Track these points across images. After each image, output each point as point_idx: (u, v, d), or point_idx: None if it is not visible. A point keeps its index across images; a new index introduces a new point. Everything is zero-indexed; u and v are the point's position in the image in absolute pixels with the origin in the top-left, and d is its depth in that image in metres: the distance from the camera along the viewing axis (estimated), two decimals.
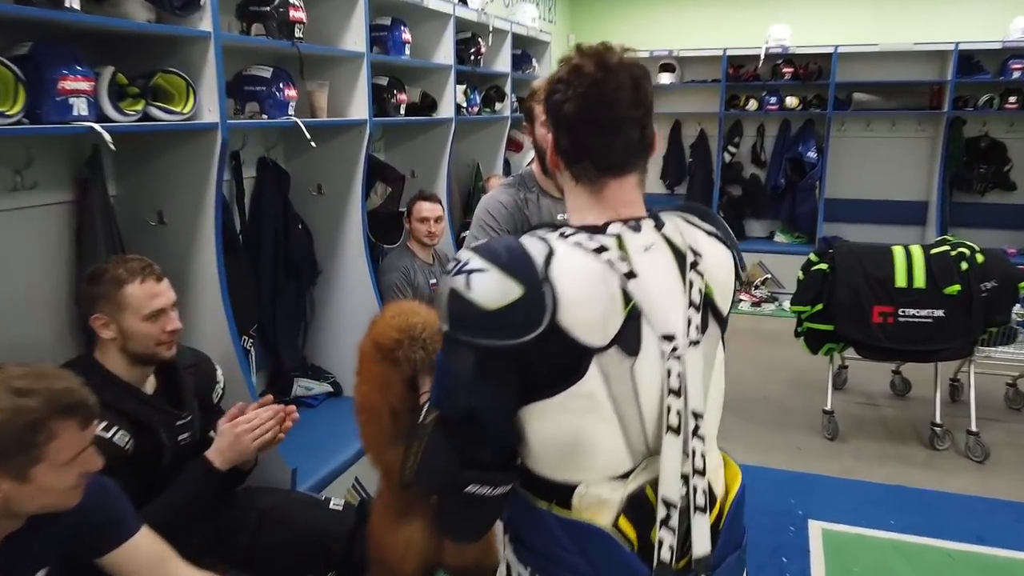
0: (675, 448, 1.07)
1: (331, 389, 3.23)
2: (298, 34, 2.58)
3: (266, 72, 2.56)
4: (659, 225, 1.14)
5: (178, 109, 2.13)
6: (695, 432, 1.09)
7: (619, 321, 1.04)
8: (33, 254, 2.09)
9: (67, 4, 1.75)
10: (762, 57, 6.51)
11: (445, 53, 3.78)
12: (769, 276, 6.62)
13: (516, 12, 5.12)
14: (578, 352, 1.03)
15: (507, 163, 5.25)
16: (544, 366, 1.04)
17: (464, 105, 4.02)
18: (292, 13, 2.54)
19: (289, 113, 2.62)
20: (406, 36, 3.35)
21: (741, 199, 7.10)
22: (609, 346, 1.03)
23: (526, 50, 5.21)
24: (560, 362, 1.04)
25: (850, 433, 3.97)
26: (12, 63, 1.69)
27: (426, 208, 3.35)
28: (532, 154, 5.24)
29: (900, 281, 3.55)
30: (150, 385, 1.87)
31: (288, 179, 3.10)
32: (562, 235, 1.08)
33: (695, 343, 1.10)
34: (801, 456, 3.74)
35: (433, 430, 1.11)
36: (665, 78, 6.93)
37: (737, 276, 1.23)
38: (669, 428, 1.07)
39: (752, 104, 6.79)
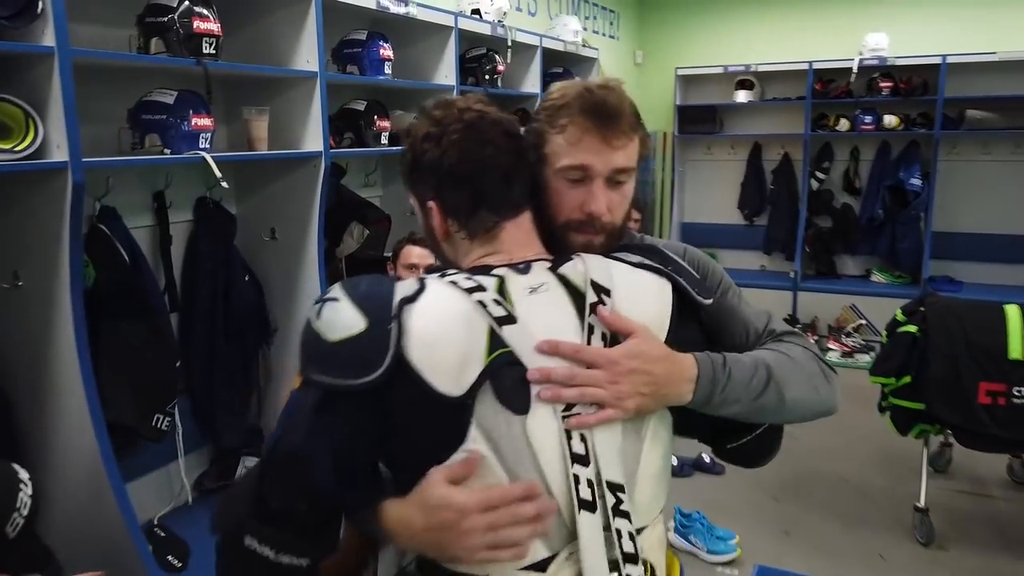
0: (593, 530, 0.93)
1: None
2: (208, 50, 2.10)
3: (168, 97, 2.09)
4: (558, 264, 1.03)
5: (7, 147, 1.67)
6: (617, 509, 0.95)
7: (477, 369, 0.91)
8: None
9: None
10: (855, 70, 5.65)
11: (447, 72, 3.25)
12: (863, 322, 5.71)
13: (557, 25, 4.54)
14: (445, 407, 0.90)
15: None
16: (416, 428, 0.92)
17: None
18: (198, 24, 2.06)
19: (202, 146, 2.14)
20: (385, 52, 2.85)
21: (831, 232, 6.21)
22: (472, 398, 0.90)
23: (569, 67, 4.63)
24: (431, 422, 0.92)
25: (951, 537, 3.11)
26: None
27: (416, 253, 2.81)
28: None
29: (1015, 352, 2.72)
30: None
31: (234, 223, 2.63)
32: (443, 275, 0.98)
33: None
34: (883, 569, 2.93)
35: (255, 466, 0.99)
36: (742, 96, 6.19)
37: (688, 307, 1.07)
38: (582, 504, 0.93)
39: (843, 124, 5.92)
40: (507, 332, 0.92)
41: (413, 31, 3.15)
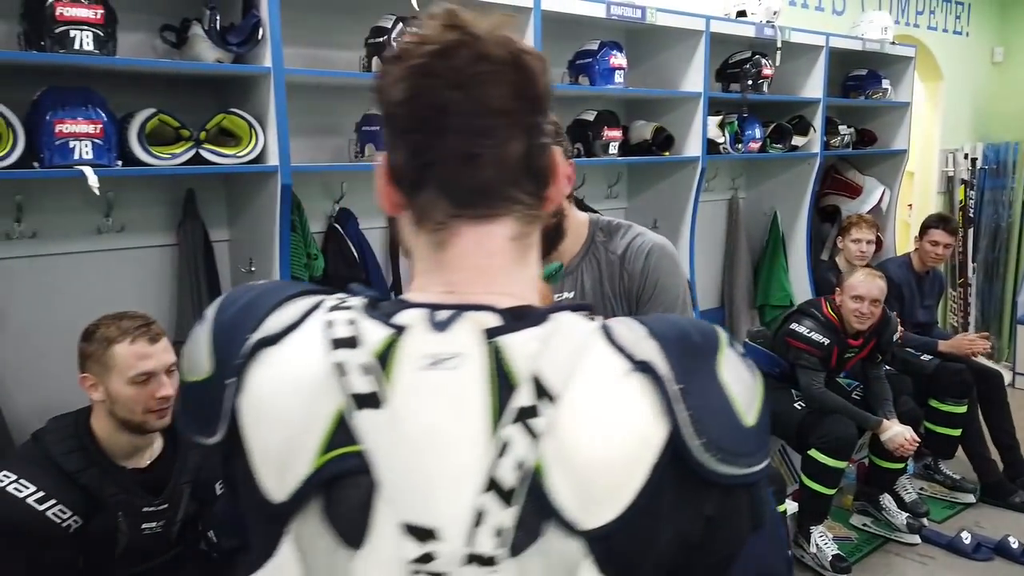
0: None
1: None
2: None
3: None
4: (507, 327, 0.62)
5: (232, 152, 2.01)
6: None
7: (306, 470, 0.60)
8: (124, 297, 2.13)
9: (76, 47, 1.75)
10: None
11: (695, 79, 3.09)
12: None
13: (862, 22, 4.03)
14: (263, 504, 0.62)
15: (833, 214, 4.18)
16: (245, 508, 0.67)
17: (721, 141, 3.23)
18: None
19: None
20: (616, 61, 2.80)
21: None
22: (299, 508, 0.61)
23: (877, 69, 4.07)
24: (254, 512, 0.65)
25: None
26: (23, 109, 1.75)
27: None
28: (875, 200, 4.12)
29: None
30: (146, 457, 1.71)
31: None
32: (338, 304, 0.66)
33: (486, 561, 0.58)
34: None
35: None
36: None
37: (692, 476, 0.60)
38: None
39: None
40: (362, 421, 0.60)
41: (659, 38, 3.05)
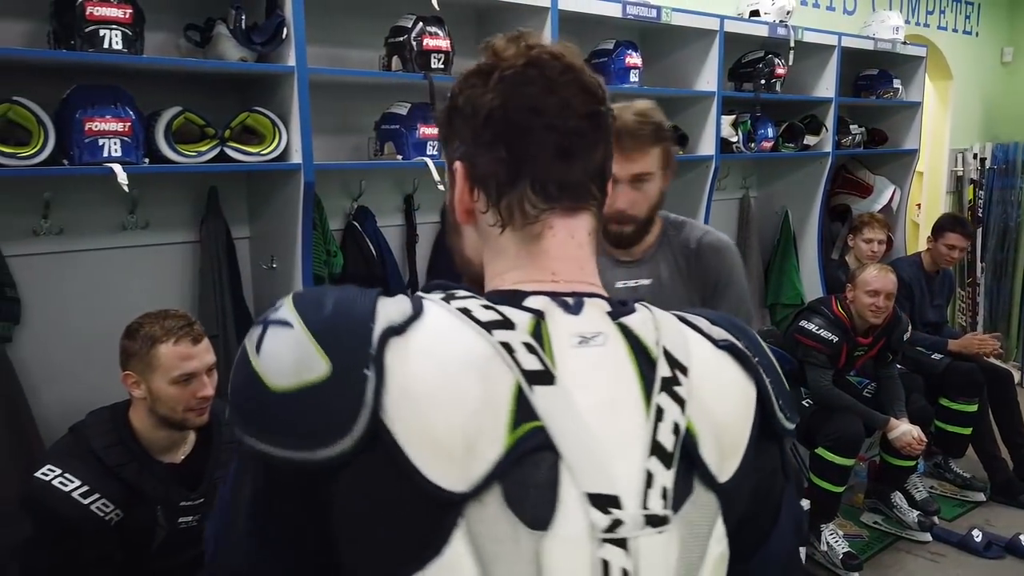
0: None
1: None
2: (437, 64, 2.30)
3: (403, 109, 2.35)
4: (618, 312, 0.69)
5: (256, 151, 2.03)
6: None
7: (496, 452, 0.58)
8: (147, 293, 2.16)
9: (105, 46, 1.77)
10: None
11: (709, 78, 3.11)
12: None
13: (873, 22, 4.04)
14: (427, 500, 0.57)
15: (843, 213, 4.20)
16: (366, 530, 0.59)
17: (734, 140, 3.25)
18: (427, 42, 2.27)
19: (430, 153, 2.36)
20: (631, 60, 2.82)
21: None
22: (478, 495, 0.57)
23: (888, 69, 4.08)
24: (397, 522, 0.59)
25: None
26: (52, 107, 1.77)
27: None
28: (886, 199, 4.14)
29: None
30: (180, 452, 1.75)
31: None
32: (449, 296, 0.66)
33: (659, 521, 0.62)
34: None
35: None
36: None
37: (767, 423, 0.73)
38: None
39: None
40: (539, 397, 0.60)
41: (674, 38, 3.07)
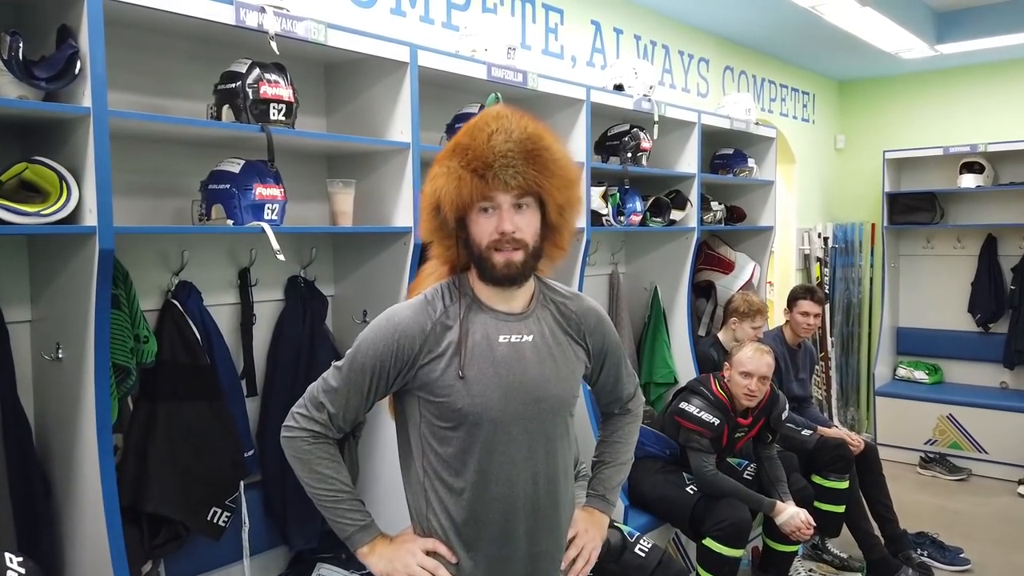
0: None
1: None
2: (276, 116, 1.98)
3: (235, 167, 1.99)
4: None
5: (35, 210, 1.60)
6: None
7: None
8: None
9: None
10: None
11: (577, 148, 2.96)
12: None
13: (727, 103, 4.13)
14: None
15: (707, 289, 4.16)
16: None
17: (604, 213, 3.11)
18: (265, 90, 1.95)
19: (268, 217, 2.00)
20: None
21: None
22: None
23: (742, 148, 4.16)
24: None
25: None
26: None
27: None
28: (748, 275, 4.14)
29: None
30: None
31: (325, 304, 2.47)
32: None
33: None
34: None
35: None
36: (969, 180, 5.26)
37: None
38: None
39: None
40: None
41: (541, 105, 2.91)
